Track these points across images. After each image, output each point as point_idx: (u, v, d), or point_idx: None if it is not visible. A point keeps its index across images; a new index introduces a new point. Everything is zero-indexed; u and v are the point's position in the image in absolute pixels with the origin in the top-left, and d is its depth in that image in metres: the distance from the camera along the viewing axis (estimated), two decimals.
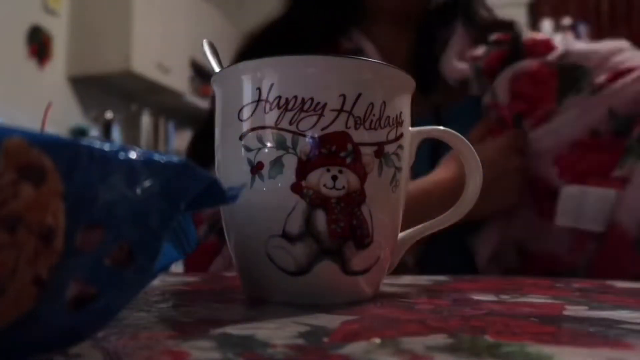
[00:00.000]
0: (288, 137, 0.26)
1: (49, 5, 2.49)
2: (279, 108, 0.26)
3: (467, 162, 0.32)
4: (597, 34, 3.12)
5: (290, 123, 0.26)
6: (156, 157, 0.16)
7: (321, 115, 0.26)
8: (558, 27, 3.06)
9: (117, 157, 0.15)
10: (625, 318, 0.22)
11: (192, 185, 0.17)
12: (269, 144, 0.26)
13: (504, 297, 0.29)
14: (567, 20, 3.12)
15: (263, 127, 0.26)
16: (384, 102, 0.27)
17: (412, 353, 0.16)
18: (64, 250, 0.14)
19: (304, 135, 0.26)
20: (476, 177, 0.32)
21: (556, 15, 3.18)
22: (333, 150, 0.26)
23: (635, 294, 0.32)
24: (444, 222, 0.32)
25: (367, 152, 0.26)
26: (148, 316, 0.23)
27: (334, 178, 0.26)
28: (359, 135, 0.26)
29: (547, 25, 3.08)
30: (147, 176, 0.15)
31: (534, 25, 3.13)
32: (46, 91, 2.45)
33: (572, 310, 0.25)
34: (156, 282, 0.35)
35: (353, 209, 0.26)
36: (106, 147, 0.14)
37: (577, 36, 3.03)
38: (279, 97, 0.26)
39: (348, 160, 0.26)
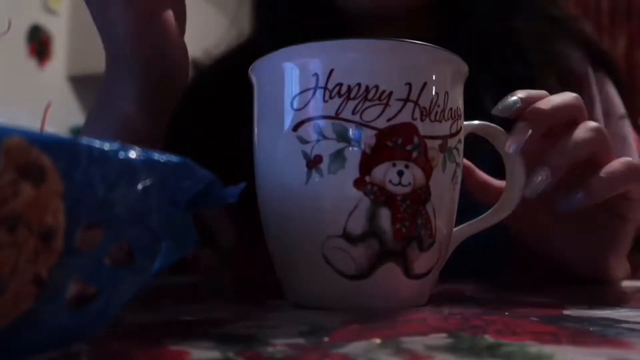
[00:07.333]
0: (351, 127, 0.24)
1: (49, 5, 2.49)
2: (340, 96, 0.24)
3: (510, 161, 0.29)
4: (597, 34, 3.11)
5: (354, 113, 0.24)
6: (156, 156, 0.16)
7: (387, 104, 0.24)
8: None
9: (117, 156, 0.15)
10: (625, 317, 0.22)
11: (192, 185, 0.17)
12: (328, 136, 0.24)
13: (504, 297, 0.29)
14: None
15: (321, 117, 0.24)
16: (447, 93, 0.25)
17: (412, 353, 0.16)
18: (63, 249, 0.14)
19: (369, 127, 0.24)
20: (520, 179, 0.29)
21: None
22: (399, 143, 0.24)
23: (636, 293, 0.32)
24: (490, 221, 0.30)
25: (432, 145, 0.24)
26: (148, 316, 0.23)
27: (400, 173, 0.24)
28: (425, 127, 0.24)
29: None
30: (147, 175, 0.15)
31: None
32: (46, 91, 2.44)
33: (572, 310, 0.25)
34: (156, 282, 0.35)
35: (418, 207, 0.24)
36: (106, 146, 0.14)
37: None
38: (340, 84, 0.24)
39: (414, 154, 0.24)
